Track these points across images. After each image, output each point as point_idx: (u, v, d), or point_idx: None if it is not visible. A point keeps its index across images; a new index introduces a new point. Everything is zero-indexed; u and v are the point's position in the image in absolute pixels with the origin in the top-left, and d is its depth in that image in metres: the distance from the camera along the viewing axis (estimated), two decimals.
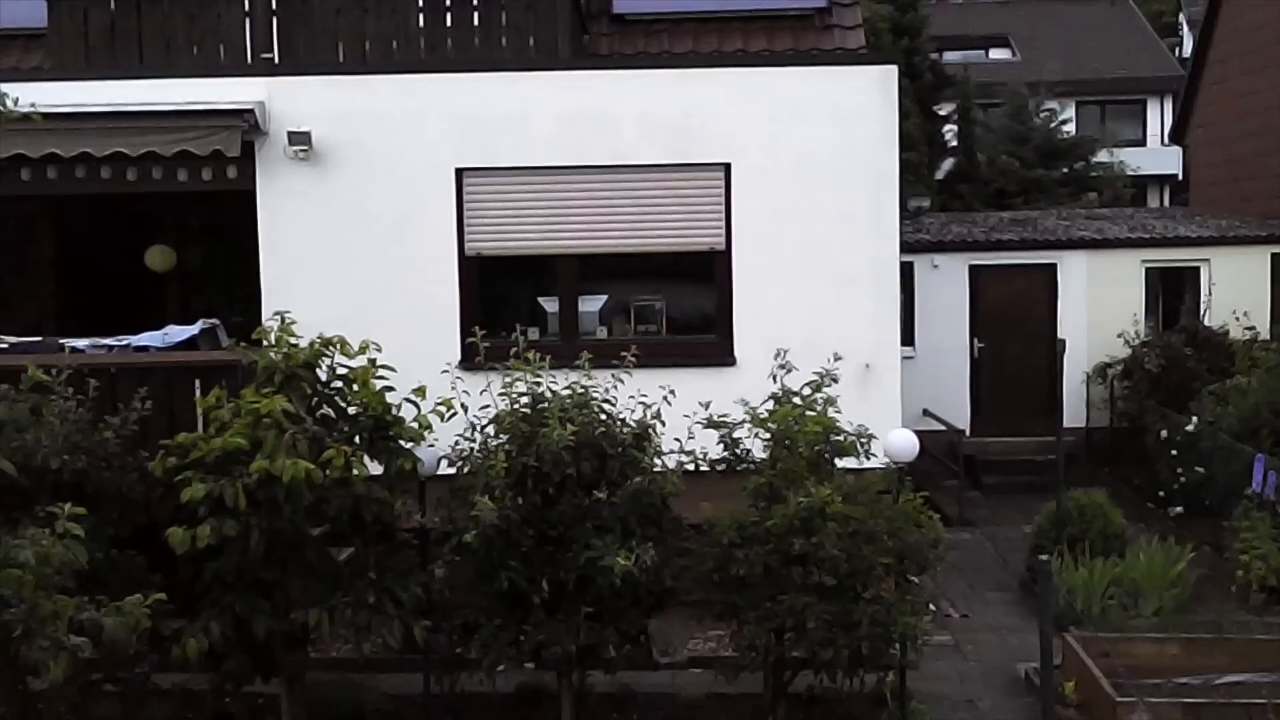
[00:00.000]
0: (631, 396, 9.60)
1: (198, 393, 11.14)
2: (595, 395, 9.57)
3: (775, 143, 12.20)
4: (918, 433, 17.08)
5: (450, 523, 9.35)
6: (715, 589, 9.55)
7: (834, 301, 12.10)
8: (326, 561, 9.59)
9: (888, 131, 12.19)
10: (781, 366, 9.88)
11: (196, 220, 14.90)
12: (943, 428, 18.07)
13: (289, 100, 12.23)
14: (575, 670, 9.70)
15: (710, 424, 9.77)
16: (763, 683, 9.94)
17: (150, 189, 12.50)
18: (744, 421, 9.68)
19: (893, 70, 12.22)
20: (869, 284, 12.18)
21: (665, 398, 9.62)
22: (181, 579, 9.47)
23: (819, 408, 9.56)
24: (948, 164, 34.95)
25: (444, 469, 9.79)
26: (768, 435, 9.50)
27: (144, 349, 12.11)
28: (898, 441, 9.89)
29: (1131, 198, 38.42)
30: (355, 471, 9.14)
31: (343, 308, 11.91)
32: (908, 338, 18.80)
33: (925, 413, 18.01)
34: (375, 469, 9.56)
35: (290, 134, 12.06)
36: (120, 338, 12.21)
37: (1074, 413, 18.30)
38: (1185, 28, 59.35)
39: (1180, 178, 43.69)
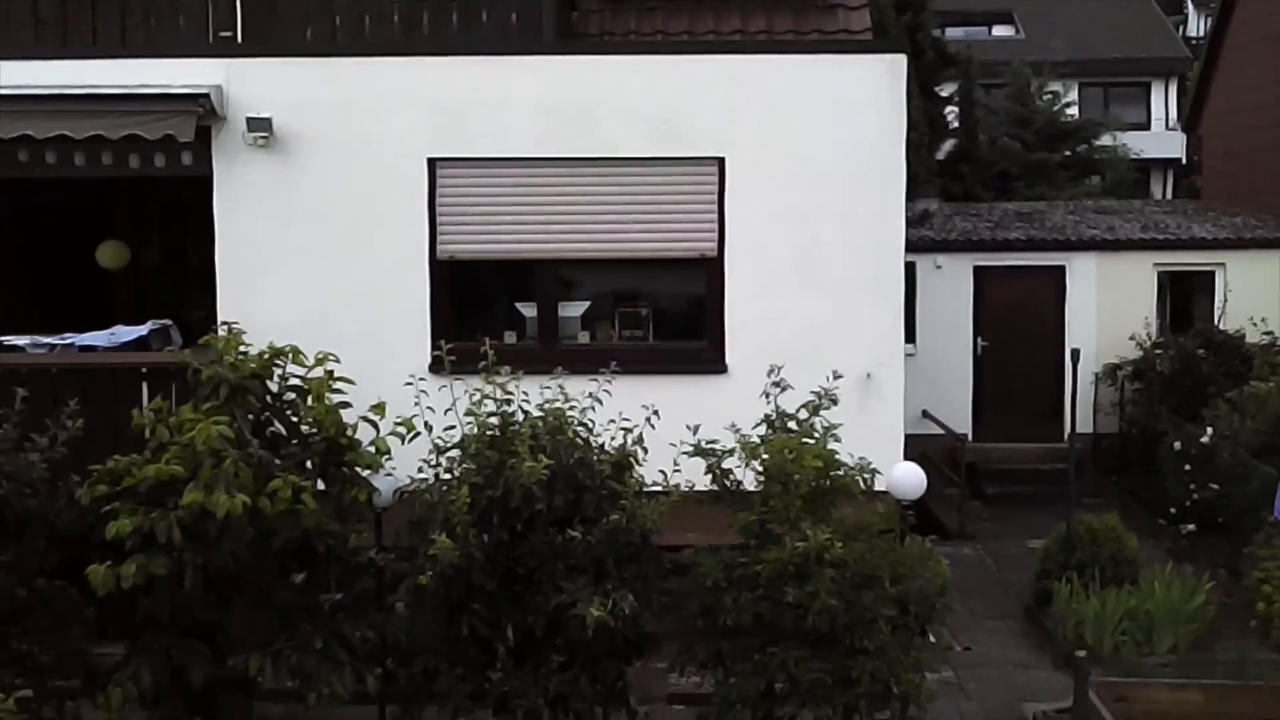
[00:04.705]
0: (612, 421, 8.73)
1: (145, 398, 10.36)
2: (572, 416, 8.71)
3: (772, 137, 11.25)
4: (916, 436, 16.40)
5: (409, 559, 8.49)
6: (699, 635, 8.69)
7: (833, 311, 11.18)
8: (277, 597, 8.74)
9: (895, 127, 11.26)
10: (776, 384, 8.99)
11: (154, 212, 13.97)
12: (942, 431, 17.23)
13: (248, 84, 11.27)
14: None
15: (698, 452, 8.88)
16: None
17: (99, 174, 11.58)
18: (734, 450, 8.79)
19: (902, 60, 11.28)
20: (871, 291, 11.27)
21: (649, 419, 8.77)
22: (118, 609, 8.64)
23: (817, 434, 8.69)
24: (949, 145, 34.12)
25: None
26: (760, 468, 8.61)
27: (90, 349, 11.26)
28: (904, 477, 9.01)
29: (1135, 182, 37.61)
30: (305, 503, 8.25)
31: (303, 311, 11.08)
32: (909, 336, 17.95)
33: (925, 414, 17.17)
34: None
35: (249, 120, 11.11)
36: (64, 336, 11.35)
37: (1082, 417, 17.12)
38: (1190, 6, 58.44)
39: (1184, 162, 42.83)
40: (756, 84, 11.31)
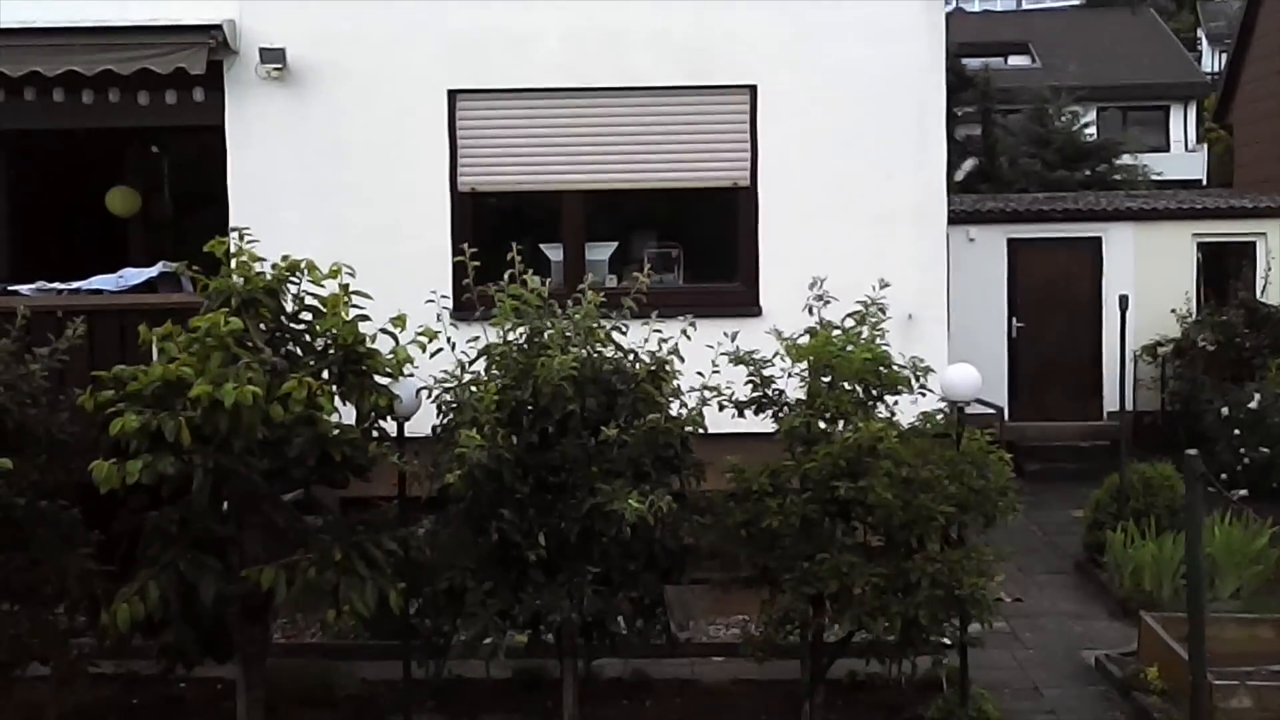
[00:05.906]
0: (645, 323, 8.22)
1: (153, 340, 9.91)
2: (605, 324, 8.20)
3: (807, 64, 10.86)
4: None
5: (434, 466, 7.95)
6: (743, 547, 8.12)
7: (873, 243, 10.70)
8: (292, 518, 8.21)
9: (933, 55, 10.94)
10: (819, 298, 8.46)
11: (165, 165, 13.60)
12: (979, 411, 16.66)
13: (261, 17, 10.92)
14: (580, 650, 8.29)
15: (737, 360, 8.37)
16: (799, 667, 8.51)
17: (110, 122, 11.30)
18: (776, 355, 8.28)
19: None
20: (911, 224, 10.85)
21: (684, 330, 8.25)
22: (121, 534, 8.12)
23: (864, 340, 8.17)
24: (969, 164, 33.74)
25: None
26: (804, 367, 8.08)
27: (97, 292, 10.82)
28: (957, 378, 8.44)
29: None
30: (321, 407, 7.71)
31: (319, 251, 10.44)
32: None
33: None
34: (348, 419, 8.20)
35: (262, 51, 10.74)
36: (71, 283, 10.92)
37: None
38: (1205, 43, 58.29)
39: (1204, 183, 42.40)
40: (790, 11, 10.90)
